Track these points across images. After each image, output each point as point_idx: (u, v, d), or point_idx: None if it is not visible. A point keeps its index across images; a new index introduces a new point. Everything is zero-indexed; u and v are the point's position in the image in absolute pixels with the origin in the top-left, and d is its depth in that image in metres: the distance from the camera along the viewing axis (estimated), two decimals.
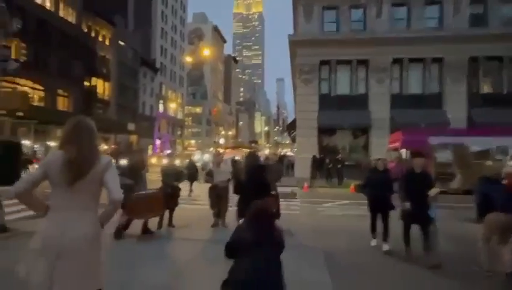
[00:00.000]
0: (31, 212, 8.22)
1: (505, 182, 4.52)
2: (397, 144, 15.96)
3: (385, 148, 18.11)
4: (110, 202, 2.07)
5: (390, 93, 21.51)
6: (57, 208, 2.05)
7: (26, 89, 24.77)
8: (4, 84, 7.01)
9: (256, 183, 4.70)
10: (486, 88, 21.72)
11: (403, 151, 15.60)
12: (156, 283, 3.98)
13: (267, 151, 72.57)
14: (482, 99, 20.84)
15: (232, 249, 2.56)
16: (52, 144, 29.95)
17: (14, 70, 6.26)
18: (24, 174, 6.59)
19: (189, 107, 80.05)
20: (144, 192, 6.15)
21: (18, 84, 24.75)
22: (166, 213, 6.91)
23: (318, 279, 4.28)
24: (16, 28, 7.38)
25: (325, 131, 21.85)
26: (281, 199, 7.16)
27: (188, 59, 40.85)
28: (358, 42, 20.82)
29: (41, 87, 28.57)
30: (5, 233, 6.09)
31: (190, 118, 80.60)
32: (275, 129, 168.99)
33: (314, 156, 19.97)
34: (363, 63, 21.74)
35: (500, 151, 14.08)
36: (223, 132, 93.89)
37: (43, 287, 1.93)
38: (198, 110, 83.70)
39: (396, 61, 21.43)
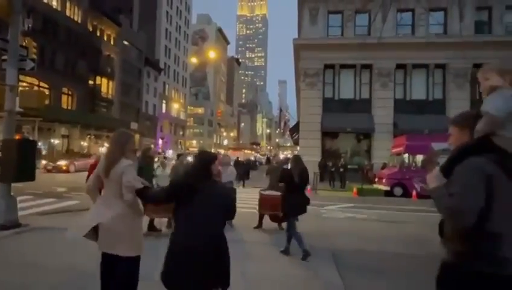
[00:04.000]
0: (40, 209, 8.36)
1: None
2: (400, 149, 16.08)
3: (388, 153, 18.27)
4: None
5: (394, 98, 21.64)
6: (103, 194, 2.89)
7: (34, 87, 25.00)
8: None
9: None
10: None
11: (406, 156, 15.74)
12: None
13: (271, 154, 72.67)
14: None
15: (169, 191, 2.59)
16: (56, 141, 30.12)
17: (31, 69, 6.39)
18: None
19: (192, 108, 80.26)
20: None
21: (24, 82, 24.95)
22: None
23: (329, 278, 4.40)
24: (28, 27, 7.49)
25: (328, 134, 21.97)
26: None
27: (193, 60, 40.87)
28: (363, 47, 20.93)
29: (46, 85, 28.78)
30: (18, 228, 6.22)
31: (192, 118, 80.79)
32: (277, 131, 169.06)
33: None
34: (367, 67, 21.89)
35: None
36: (224, 133, 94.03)
37: (92, 238, 2.75)
38: (200, 110, 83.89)
39: (400, 66, 21.57)
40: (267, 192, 7.09)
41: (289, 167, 5.91)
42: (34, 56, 7.73)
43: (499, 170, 1.60)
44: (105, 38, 38.82)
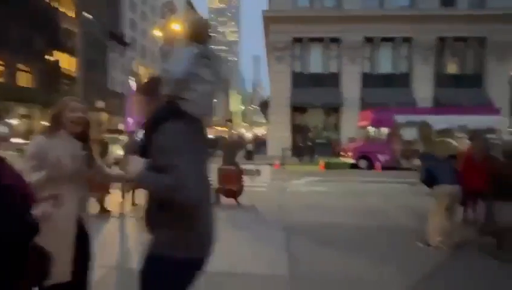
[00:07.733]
0: None
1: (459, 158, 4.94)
2: (366, 123, 16.33)
3: (356, 127, 18.54)
4: None
5: (362, 72, 21.75)
6: None
7: None
8: None
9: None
10: (451, 69, 22.38)
11: (372, 130, 16.03)
12: (111, 262, 3.94)
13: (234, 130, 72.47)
14: (448, 79, 21.54)
15: None
16: (13, 122, 28.39)
17: None
18: None
19: None
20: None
21: None
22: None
23: (274, 252, 4.37)
24: None
25: (297, 109, 21.95)
26: (246, 176, 7.20)
27: (156, 33, 39.21)
28: (331, 19, 20.69)
29: (1, 62, 26.72)
30: None
31: None
32: (251, 108, 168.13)
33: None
34: (335, 41, 21.73)
35: (461, 130, 14.75)
36: None
37: None
38: None
39: (368, 40, 21.56)
40: (223, 166, 6.96)
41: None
42: None
43: (192, 132, 1.55)
44: (63, 10, 36.16)
